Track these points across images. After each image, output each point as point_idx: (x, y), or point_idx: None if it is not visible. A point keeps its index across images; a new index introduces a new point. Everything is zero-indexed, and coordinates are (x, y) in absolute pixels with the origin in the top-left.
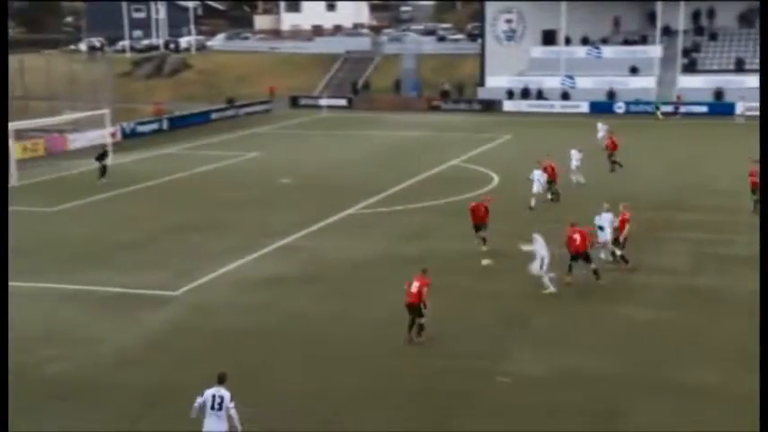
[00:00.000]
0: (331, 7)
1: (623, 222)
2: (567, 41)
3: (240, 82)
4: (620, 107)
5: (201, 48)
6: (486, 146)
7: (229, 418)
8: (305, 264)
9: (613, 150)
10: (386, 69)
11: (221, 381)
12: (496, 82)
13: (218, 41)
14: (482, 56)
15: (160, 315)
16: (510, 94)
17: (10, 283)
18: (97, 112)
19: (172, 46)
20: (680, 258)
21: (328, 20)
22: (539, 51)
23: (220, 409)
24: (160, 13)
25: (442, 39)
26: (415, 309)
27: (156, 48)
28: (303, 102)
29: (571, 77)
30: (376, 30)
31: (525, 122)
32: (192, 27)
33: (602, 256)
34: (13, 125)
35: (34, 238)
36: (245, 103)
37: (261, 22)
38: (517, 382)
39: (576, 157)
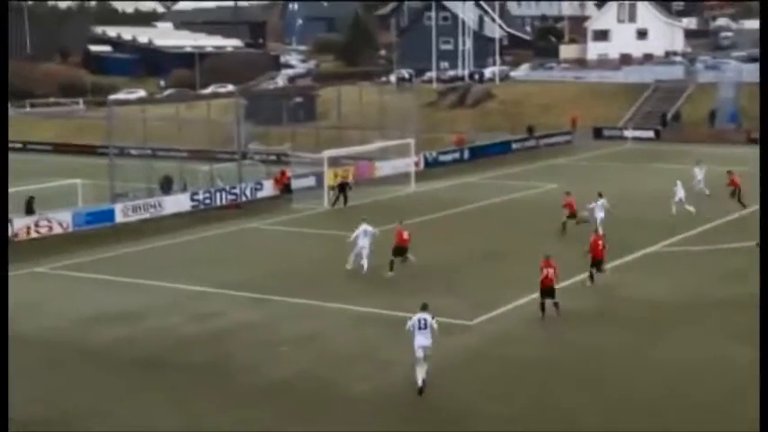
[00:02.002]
0: (642, 35)
1: None
2: None
3: (542, 112)
4: None
5: (505, 78)
6: None
7: (432, 333)
8: (604, 299)
9: (736, 188)
10: (699, 99)
11: (424, 308)
12: None
13: (522, 71)
14: None
15: (455, 342)
16: None
17: (314, 303)
18: (403, 140)
19: (476, 76)
20: None
21: (638, 48)
22: None
23: (426, 327)
24: (467, 44)
25: None
26: (552, 291)
27: (461, 78)
28: (607, 133)
29: None
30: (691, 58)
31: None
32: (497, 57)
33: None
34: (327, 153)
35: (337, 260)
36: (545, 133)
37: (566, 51)
38: None
39: (680, 188)
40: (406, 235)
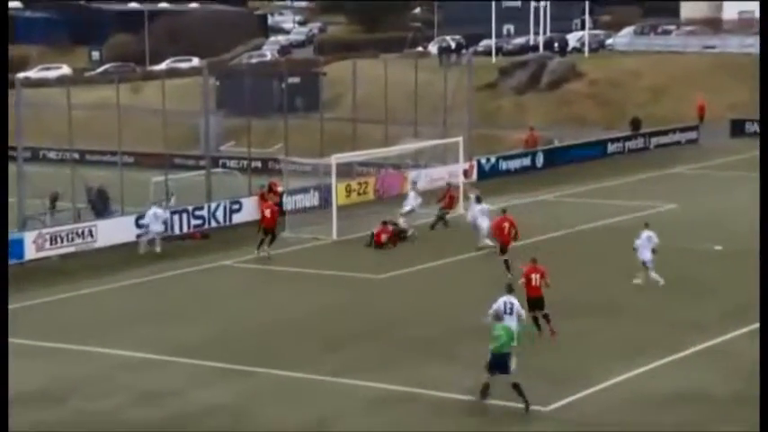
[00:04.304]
0: None
1: None
2: None
3: (654, 97)
4: None
5: (599, 47)
6: None
7: (519, 319)
8: (742, 376)
9: (449, 206)
10: None
11: (510, 291)
12: None
13: (623, 38)
14: None
15: None
16: None
17: (312, 377)
18: (448, 140)
19: (556, 46)
20: None
21: None
22: None
23: (512, 312)
24: None
25: None
26: (539, 301)
27: (533, 48)
28: (751, 128)
29: None
30: None
31: None
32: (587, 18)
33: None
34: (336, 158)
35: (355, 315)
36: (658, 129)
37: (690, 8)
38: None
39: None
40: (268, 213)
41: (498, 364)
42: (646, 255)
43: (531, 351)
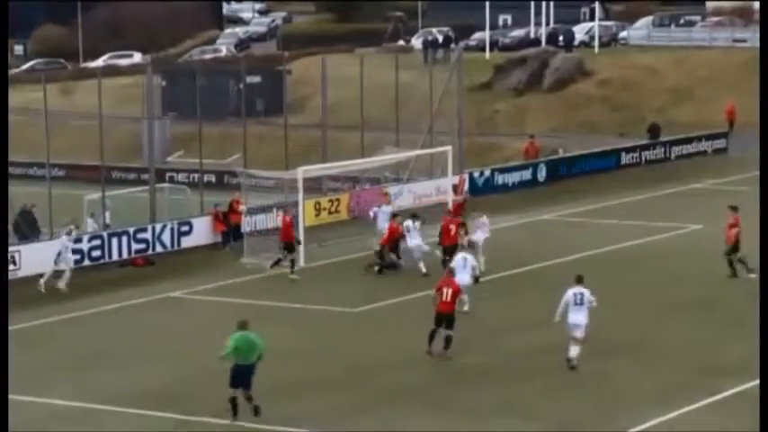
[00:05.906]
0: None
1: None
2: None
3: (675, 100)
4: None
5: (611, 42)
6: None
7: (590, 310)
8: None
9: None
10: None
11: (579, 281)
12: None
13: (639, 30)
14: None
15: None
16: None
17: (283, 429)
18: (435, 149)
19: (560, 39)
20: None
21: None
22: None
23: (582, 303)
24: None
25: None
26: (449, 318)
27: (533, 42)
28: None
29: None
30: None
31: None
32: (597, 7)
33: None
34: (303, 170)
35: (325, 356)
36: (680, 137)
37: None
38: None
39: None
40: (281, 224)
41: (241, 377)
42: (465, 279)
43: (549, 395)
